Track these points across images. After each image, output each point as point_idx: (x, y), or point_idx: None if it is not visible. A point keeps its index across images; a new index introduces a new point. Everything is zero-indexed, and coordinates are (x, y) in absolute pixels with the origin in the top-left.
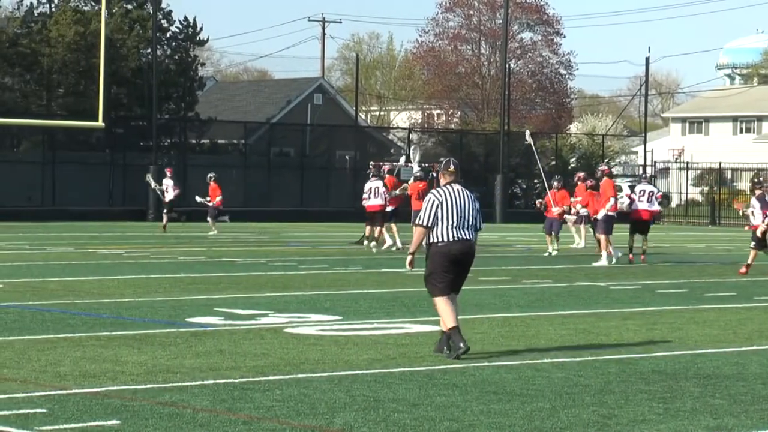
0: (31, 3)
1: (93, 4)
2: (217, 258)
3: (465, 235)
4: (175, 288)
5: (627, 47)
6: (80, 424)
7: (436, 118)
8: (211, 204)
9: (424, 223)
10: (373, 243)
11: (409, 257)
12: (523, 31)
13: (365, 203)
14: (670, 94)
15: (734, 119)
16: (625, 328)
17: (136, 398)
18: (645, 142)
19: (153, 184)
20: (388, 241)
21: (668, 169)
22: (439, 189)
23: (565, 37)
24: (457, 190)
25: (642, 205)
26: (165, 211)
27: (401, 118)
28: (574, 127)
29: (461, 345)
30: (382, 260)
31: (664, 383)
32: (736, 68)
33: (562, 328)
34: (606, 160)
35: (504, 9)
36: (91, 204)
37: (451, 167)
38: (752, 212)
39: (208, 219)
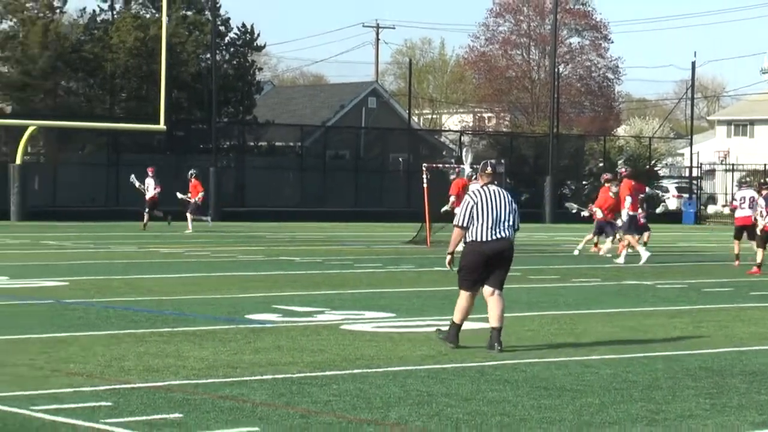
0: (94, 10)
1: (153, 11)
2: (275, 257)
3: (500, 234)
4: (234, 286)
5: (673, 52)
6: (144, 417)
7: (486, 121)
8: (192, 200)
9: (460, 224)
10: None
11: (448, 257)
12: (572, 36)
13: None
14: (716, 98)
15: None
16: (672, 326)
17: (197, 392)
18: (691, 145)
19: (137, 184)
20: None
21: (714, 170)
22: (475, 191)
23: (612, 42)
24: (493, 191)
25: (744, 212)
26: (147, 209)
27: (453, 121)
28: (621, 130)
29: (452, 340)
30: (434, 259)
31: (710, 379)
32: None
33: (610, 326)
34: (623, 161)
35: (553, 15)
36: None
37: (488, 169)
38: (761, 213)
39: (187, 215)
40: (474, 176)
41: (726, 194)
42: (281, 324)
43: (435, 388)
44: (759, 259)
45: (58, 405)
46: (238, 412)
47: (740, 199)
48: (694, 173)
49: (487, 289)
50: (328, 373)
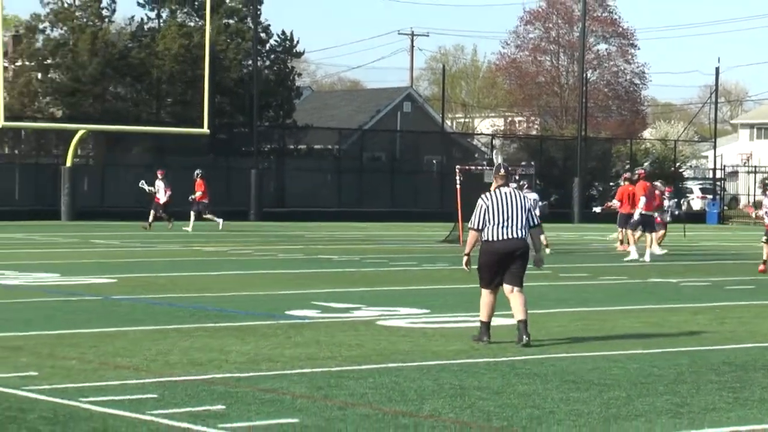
0: (141, 19)
1: (197, 19)
2: (314, 255)
3: (512, 234)
4: (275, 283)
5: (698, 58)
6: (188, 409)
7: (517, 125)
8: (194, 198)
9: (474, 227)
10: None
11: (465, 258)
12: (599, 43)
13: None
14: (739, 102)
15: None
16: (696, 322)
17: (239, 385)
18: (715, 147)
19: (147, 188)
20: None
21: (737, 172)
22: (487, 194)
23: (638, 48)
24: (505, 193)
25: None
26: (153, 210)
27: (485, 125)
28: (647, 133)
29: (484, 339)
30: None
31: (733, 374)
32: None
33: (636, 322)
34: (648, 164)
35: (581, 22)
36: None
37: (501, 171)
38: (765, 212)
39: (207, 216)
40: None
41: (749, 195)
42: (320, 320)
43: (467, 382)
44: (766, 256)
45: (106, 397)
46: (278, 404)
47: None
48: (718, 175)
49: (506, 287)
50: (364, 366)
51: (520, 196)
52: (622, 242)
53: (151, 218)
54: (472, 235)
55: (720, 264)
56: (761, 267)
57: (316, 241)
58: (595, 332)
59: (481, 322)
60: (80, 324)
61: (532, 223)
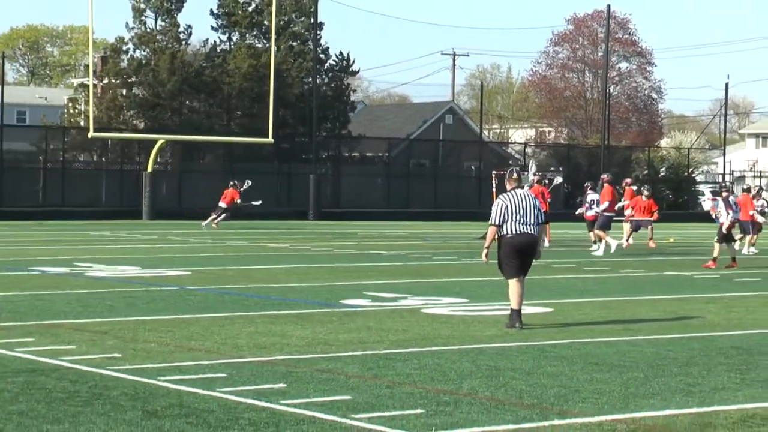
0: (214, 41)
1: (264, 41)
2: (366, 251)
3: (527, 229)
4: (330, 275)
5: (709, 74)
6: (253, 387)
7: (547, 135)
8: (224, 206)
9: (495, 222)
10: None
11: (485, 251)
12: (621, 62)
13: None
14: (746, 114)
15: None
16: (707, 311)
17: (299, 366)
18: (724, 155)
19: (246, 185)
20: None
21: (744, 177)
22: (505, 194)
23: (656, 66)
24: (520, 194)
25: None
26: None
27: (518, 135)
28: (663, 142)
29: (516, 325)
30: None
31: (740, 357)
32: None
33: (653, 310)
34: (606, 174)
35: (605, 43)
36: (262, 206)
37: (515, 175)
38: (716, 215)
39: (215, 214)
40: (543, 180)
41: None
42: (370, 308)
43: (502, 363)
44: (716, 253)
45: (181, 376)
46: (333, 382)
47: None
48: (727, 179)
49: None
50: (410, 350)
51: (531, 196)
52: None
53: (218, 218)
54: (492, 230)
55: (729, 259)
56: (710, 263)
57: (368, 238)
58: (615, 319)
59: (512, 309)
60: (159, 311)
61: (539, 221)
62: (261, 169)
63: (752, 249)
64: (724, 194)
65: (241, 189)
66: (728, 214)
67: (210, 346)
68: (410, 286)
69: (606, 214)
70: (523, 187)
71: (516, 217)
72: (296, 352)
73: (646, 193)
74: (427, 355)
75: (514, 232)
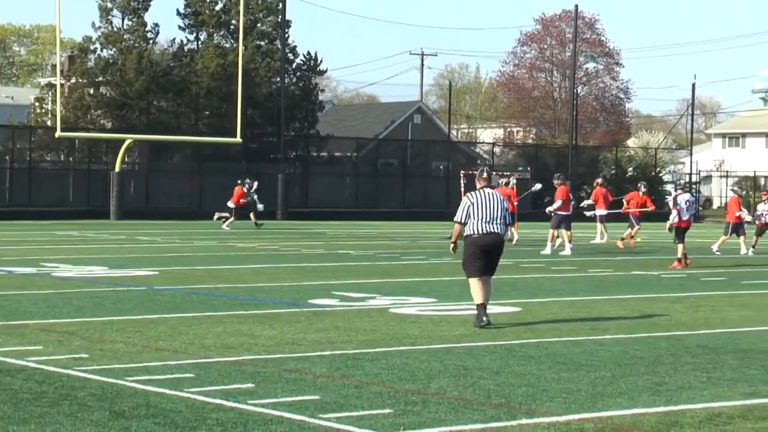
0: (182, 41)
1: (231, 41)
2: (334, 250)
3: (493, 229)
4: (299, 275)
5: (676, 74)
6: (221, 387)
7: (515, 135)
8: (233, 206)
9: (459, 220)
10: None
11: (452, 245)
12: (588, 62)
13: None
14: (713, 114)
15: (767, 135)
16: (674, 310)
17: (267, 366)
18: (691, 155)
19: (254, 187)
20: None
21: (711, 177)
22: (472, 192)
23: (623, 66)
24: (488, 193)
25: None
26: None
27: (486, 135)
28: (631, 142)
29: (483, 319)
30: None
31: (707, 356)
32: None
33: (621, 310)
34: (558, 174)
35: (573, 44)
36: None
37: (485, 174)
38: (674, 216)
39: (231, 216)
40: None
41: (721, 197)
42: (338, 308)
43: (470, 363)
44: (679, 253)
45: (149, 376)
46: (301, 382)
47: (685, 203)
48: (694, 179)
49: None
50: (378, 349)
51: (499, 196)
52: (623, 239)
53: (254, 217)
54: (456, 227)
55: (696, 258)
56: (675, 264)
57: (336, 238)
58: (583, 319)
59: (477, 305)
60: (126, 311)
61: (507, 221)
62: (229, 168)
63: (751, 250)
64: (675, 193)
65: (249, 190)
66: (674, 213)
67: (178, 346)
68: (378, 285)
69: (560, 213)
70: (493, 187)
71: (482, 216)
72: (264, 352)
73: (643, 189)
74: (395, 354)
75: (479, 231)
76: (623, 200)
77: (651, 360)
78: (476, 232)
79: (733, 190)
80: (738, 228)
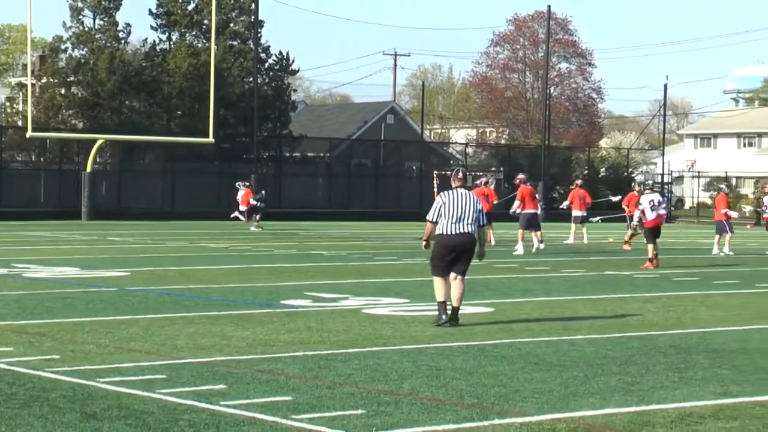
0: (154, 40)
1: (204, 41)
2: (307, 251)
3: (463, 229)
4: (271, 275)
5: (648, 75)
6: (193, 388)
7: (488, 135)
8: (244, 209)
9: (430, 219)
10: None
11: (424, 243)
12: (561, 62)
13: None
14: (685, 115)
15: (738, 135)
16: (646, 310)
17: (239, 367)
18: (663, 155)
19: (258, 201)
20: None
21: (683, 177)
22: (446, 192)
23: (596, 66)
24: (461, 193)
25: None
26: (250, 212)
27: (459, 135)
28: (603, 142)
29: (443, 317)
30: None
31: (678, 356)
32: (740, 93)
33: (593, 310)
34: (519, 175)
35: (545, 44)
36: (202, 206)
37: (460, 175)
38: (638, 217)
39: (245, 219)
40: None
41: (693, 197)
42: (311, 308)
43: (442, 363)
44: (650, 253)
45: (120, 377)
46: (273, 383)
47: (649, 203)
48: (666, 179)
49: (451, 275)
50: (350, 350)
51: (472, 196)
52: (627, 242)
53: (257, 217)
54: (428, 226)
55: (668, 258)
56: (647, 264)
57: (309, 238)
58: (556, 319)
59: (438, 303)
60: (98, 312)
61: (481, 222)
62: (202, 169)
63: (725, 250)
64: (637, 192)
65: (257, 196)
66: (637, 213)
67: (149, 347)
68: (351, 286)
69: (525, 212)
70: (469, 188)
71: (452, 216)
72: (237, 353)
73: (637, 188)
74: (368, 355)
75: (448, 232)
76: (623, 206)
77: (623, 360)
78: (445, 232)
79: (720, 188)
80: (724, 227)
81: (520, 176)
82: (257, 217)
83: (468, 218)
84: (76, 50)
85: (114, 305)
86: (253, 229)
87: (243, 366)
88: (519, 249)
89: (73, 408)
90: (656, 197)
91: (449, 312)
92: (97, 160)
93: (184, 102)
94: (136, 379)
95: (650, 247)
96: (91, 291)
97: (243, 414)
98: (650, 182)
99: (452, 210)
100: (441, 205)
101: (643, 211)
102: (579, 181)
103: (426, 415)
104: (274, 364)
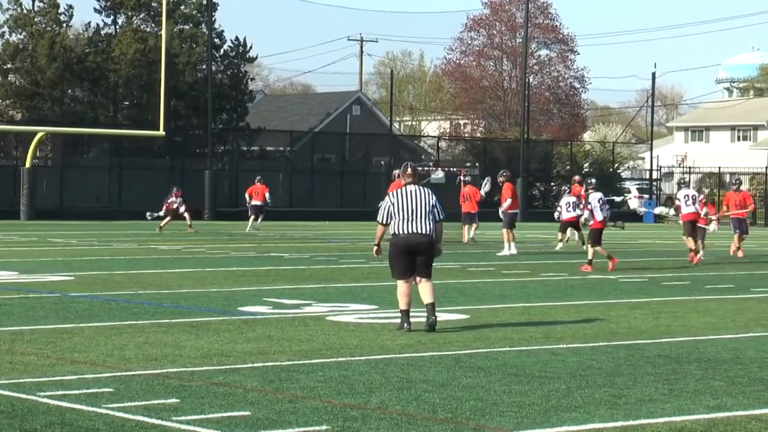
0: (98, 24)
1: (153, 25)
2: (266, 253)
3: (415, 229)
4: (228, 280)
5: (635, 63)
6: (143, 402)
7: (462, 128)
8: (255, 204)
9: (379, 221)
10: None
11: (375, 248)
12: (541, 49)
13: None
14: (674, 106)
15: (732, 128)
16: (633, 317)
17: (193, 379)
18: (651, 149)
19: (152, 216)
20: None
21: (672, 173)
22: (393, 192)
23: (578, 53)
24: (410, 191)
25: (689, 209)
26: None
27: (431, 128)
28: (587, 136)
29: (405, 325)
30: None
31: (668, 366)
32: (733, 82)
33: (577, 317)
34: (503, 171)
35: (524, 29)
36: (152, 205)
37: (409, 170)
38: (586, 216)
39: (253, 217)
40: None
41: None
42: (271, 315)
43: (413, 375)
44: (590, 255)
45: (63, 391)
46: (230, 397)
47: (684, 198)
48: (654, 175)
49: (417, 278)
50: (314, 361)
51: (424, 192)
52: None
53: (164, 222)
54: (378, 229)
55: (657, 261)
56: (586, 266)
57: (268, 240)
58: (537, 326)
59: (401, 311)
60: (38, 320)
61: (437, 218)
62: (151, 164)
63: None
64: (576, 188)
65: (154, 216)
66: (586, 213)
67: (95, 358)
68: (315, 291)
69: (512, 211)
70: (425, 183)
71: (403, 217)
72: (190, 364)
73: (591, 184)
74: (333, 366)
75: (402, 232)
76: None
77: (609, 371)
78: (398, 232)
79: (738, 180)
80: (742, 224)
81: (506, 173)
82: (253, 218)
83: (421, 216)
84: (13, 35)
85: (56, 312)
86: (249, 230)
87: (197, 378)
88: (509, 250)
89: (12, 424)
90: (690, 192)
91: (412, 321)
92: (37, 154)
93: (131, 91)
94: (81, 392)
95: (591, 250)
96: (31, 297)
97: (197, 430)
98: (593, 180)
99: (403, 210)
100: (389, 206)
101: (591, 211)
102: (578, 177)
103: (396, 430)
104: (231, 376)
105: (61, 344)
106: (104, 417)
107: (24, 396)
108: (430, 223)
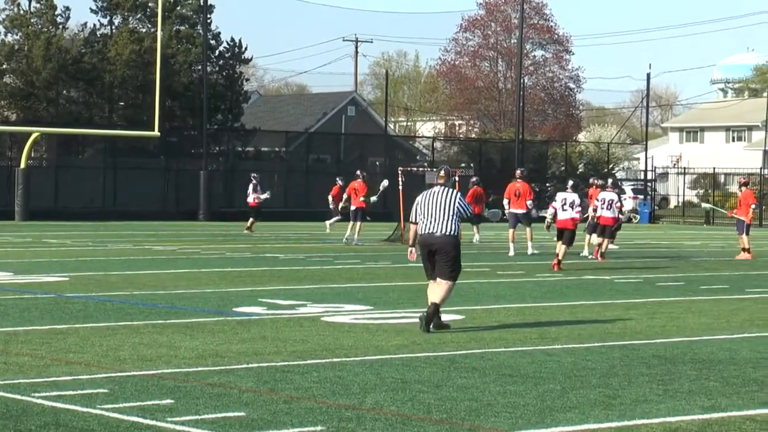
0: (94, 25)
1: (148, 25)
2: (261, 254)
3: (433, 230)
4: (223, 281)
5: (630, 63)
6: (138, 403)
7: (457, 128)
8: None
9: (411, 220)
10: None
11: (409, 249)
12: (536, 50)
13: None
14: (669, 106)
15: (727, 129)
16: (628, 317)
17: (188, 380)
18: (646, 150)
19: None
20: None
21: (667, 174)
22: (422, 193)
23: (573, 54)
24: (435, 191)
25: (606, 212)
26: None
27: (426, 128)
28: (582, 136)
29: (422, 327)
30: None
31: (663, 367)
32: (728, 83)
33: (571, 317)
34: (475, 176)
35: (519, 30)
36: (147, 205)
37: (441, 173)
38: (553, 215)
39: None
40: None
41: (678, 195)
42: (266, 316)
43: (408, 376)
44: (561, 254)
45: (58, 392)
46: (225, 398)
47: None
48: (649, 176)
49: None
50: (309, 361)
51: (447, 194)
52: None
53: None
54: (411, 228)
55: (652, 261)
56: (554, 266)
57: (264, 240)
58: (531, 327)
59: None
60: (33, 321)
61: (465, 215)
62: (146, 165)
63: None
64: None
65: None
66: (551, 210)
67: (90, 358)
68: (310, 292)
69: (518, 211)
70: (453, 186)
71: (426, 217)
72: (185, 365)
73: (598, 182)
74: (328, 367)
75: (421, 231)
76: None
77: (604, 371)
78: (420, 232)
79: (745, 182)
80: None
81: (522, 170)
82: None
83: (439, 218)
84: (9, 35)
85: (51, 313)
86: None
87: (192, 379)
88: (530, 249)
89: (6, 425)
90: (571, 197)
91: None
92: (32, 155)
93: (126, 92)
94: (76, 393)
95: (562, 248)
96: (26, 297)
97: (192, 431)
98: (570, 182)
99: (426, 210)
100: (416, 205)
101: (555, 210)
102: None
103: (391, 431)
104: (225, 376)
105: (56, 345)
106: (99, 418)
107: (18, 397)
108: (449, 224)
